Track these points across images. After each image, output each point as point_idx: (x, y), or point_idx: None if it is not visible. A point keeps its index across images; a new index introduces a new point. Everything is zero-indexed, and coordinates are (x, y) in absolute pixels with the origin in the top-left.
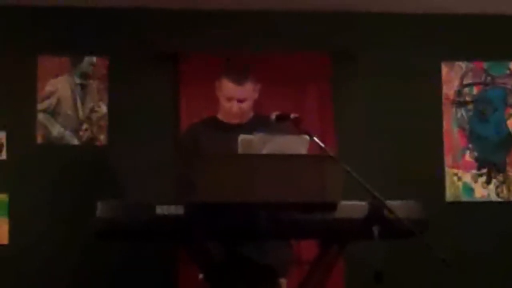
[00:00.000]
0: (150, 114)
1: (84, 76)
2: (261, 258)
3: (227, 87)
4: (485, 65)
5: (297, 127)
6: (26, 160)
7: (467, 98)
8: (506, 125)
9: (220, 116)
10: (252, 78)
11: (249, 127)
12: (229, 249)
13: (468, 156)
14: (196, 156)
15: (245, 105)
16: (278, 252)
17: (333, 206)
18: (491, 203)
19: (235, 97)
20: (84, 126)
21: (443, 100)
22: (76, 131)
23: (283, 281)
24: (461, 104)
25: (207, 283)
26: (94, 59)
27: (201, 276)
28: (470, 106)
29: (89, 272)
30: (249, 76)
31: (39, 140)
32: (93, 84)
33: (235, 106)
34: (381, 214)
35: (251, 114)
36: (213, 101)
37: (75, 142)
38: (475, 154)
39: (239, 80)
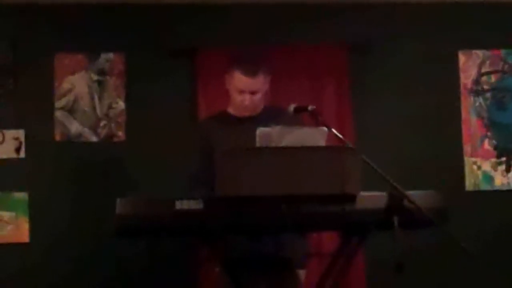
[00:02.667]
0: (168, 110)
1: (101, 72)
2: (278, 250)
3: (240, 79)
4: (502, 53)
5: (315, 119)
6: (45, 158)
7: (485, 87)
8: None
9: (230, 110)
10: (263, 70)
11: (261, 119)
12: (247, 242)
13: (487, 145)
14: (208, 151)
15: (257, 97)
16: (295, 244)
17: (352, 198)
18: (511, 191)
19: (248, 90)
20: (102, 122)
21: (461, 89)
22: (94, 128)
23: (301, 272)
24: (479, 92)
25: (224, 276)
26: (111, 55)
27: (217, 269)
28: (488, 95)
29: (110, 269)
30: (260, 67)
31: (58, 137)
32: (110, 81)
33: (247, 98)
34: (401, 204)
35: (262, 106)
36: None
37: (94, 139)
38: (494, 142)
39: (251, 72)
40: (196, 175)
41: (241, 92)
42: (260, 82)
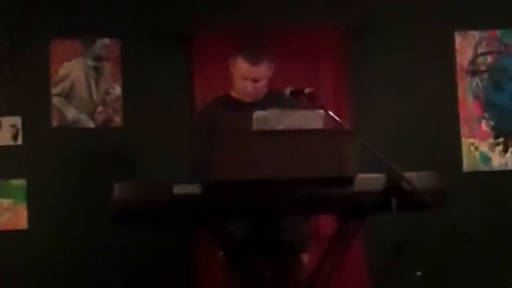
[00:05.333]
0: (164, 95)
1: (97, 58)
2: (280, 234)
3: (242, 67)
4: (498, 33)
5: (312, 102)
6: (42, 145)
7: (482, 67)
8: None
9: (234, 94)
10: (267, 57)
11: (264, 103)
12: (248, 226)
13: (484, 125)
14: (212, 134)
15: (260, 85)
16: (297, 228)
17: (350, 180)
18: (508, 172)
19: (250, 78)
20: (99, 108)
21: (457, 70)
22: (91, 114)
23: (304, 256)
24: (475, 73)
25: (227, 260)
26: (107, 41)
27: (221, 254)
28: (485, 75)
29: (108, 255)
30: (265, 55)
31: (55, 124)
32: (107, 66)
33: (249, 86)
34: (398, 186)
35: (265, 91)
36: (228, 81)
37: (91, 124)
38: (491, 123)
39: (254, 60)
40: (199, 158)
41: (244, 79)
42: (263, 70)
